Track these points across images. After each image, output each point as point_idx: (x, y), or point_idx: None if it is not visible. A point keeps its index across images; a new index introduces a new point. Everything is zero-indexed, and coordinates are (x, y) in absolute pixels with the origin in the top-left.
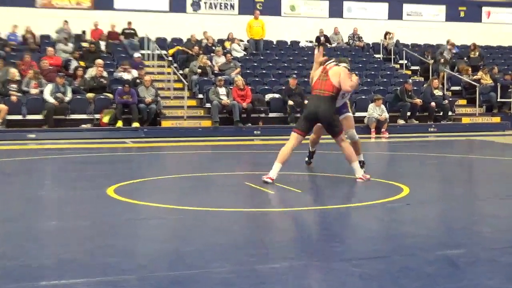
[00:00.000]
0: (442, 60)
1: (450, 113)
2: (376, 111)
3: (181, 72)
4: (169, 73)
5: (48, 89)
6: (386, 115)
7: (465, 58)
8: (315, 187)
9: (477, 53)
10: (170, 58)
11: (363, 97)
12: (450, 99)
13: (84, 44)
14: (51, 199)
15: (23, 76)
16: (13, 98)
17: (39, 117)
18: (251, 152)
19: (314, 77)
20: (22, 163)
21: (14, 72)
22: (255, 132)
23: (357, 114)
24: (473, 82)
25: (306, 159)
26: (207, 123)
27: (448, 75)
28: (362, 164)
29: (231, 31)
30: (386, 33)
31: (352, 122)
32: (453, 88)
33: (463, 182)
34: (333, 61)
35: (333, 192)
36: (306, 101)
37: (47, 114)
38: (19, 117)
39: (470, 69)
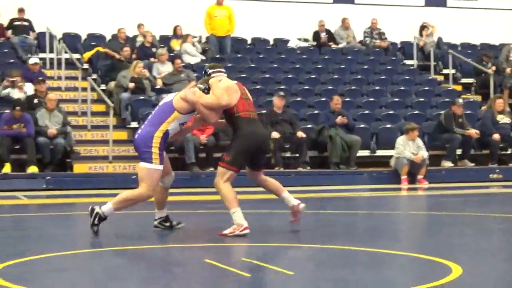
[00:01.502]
0: (509, 69)
1: None
2: (409, 147)
3: (103, 87)
4: (84, 89)
5: None
6: (424, 154)
7: None
8: (312, 265)
9: None
10: (86, 66)
11: (388, 126)
12: None
13: None
14: None
15: None
16: None
17: None
18: (213, 213)
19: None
20: None
21: None
22: None
23: (380, 152)
24: None
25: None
26: None
27: None
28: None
29: (181, 23)
30: (423, 27)
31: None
32: None
33: None
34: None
35: (342, 272)
36: (238, 128)
37: None
38: None
39: None
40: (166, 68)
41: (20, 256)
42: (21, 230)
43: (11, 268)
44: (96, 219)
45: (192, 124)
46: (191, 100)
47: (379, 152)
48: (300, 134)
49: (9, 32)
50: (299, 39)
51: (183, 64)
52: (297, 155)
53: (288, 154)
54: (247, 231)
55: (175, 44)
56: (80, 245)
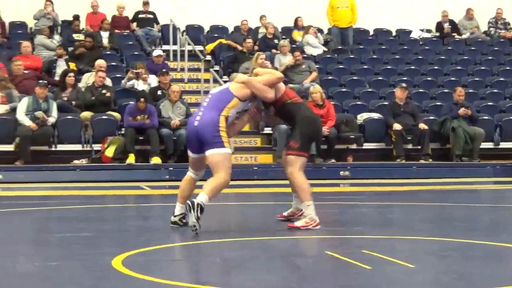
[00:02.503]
0: None
1: None
2: None
3: (225, 79)
4: (207, 81)
5: (22, 105)
6: None
7: None
8: (433, 258)
9: None
10: (209, 58)
11: None
12: None
13: (77, 37)
14: (27, 275)
15: None
16: None
17: (8, 148)
18: (335, 204)
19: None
20: None
21: None
22: (341, 172)
23: (504, 144)
24: None
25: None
26: (266, 158)
27: None
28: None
29: (303, 14)
30: None
31: None
32: None
33: None
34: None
35: (463, 265)
36: (302, 113)
37: (20, 144)
38: None
39: None
40: (288, 60)
41: (143, 246)
42: (144, 220)
43: (135, 257)
44: (199, 211)
45: (247, 119)
46: (246, 80)
47: (503, 145)
48: (422, 125)
49: (134, 25)
50: (422, 30)
51: (305, 55)
52: (419, 147)
53: (410, 146)
54: (319, 227)
55: (297, 35)
56: (201, 236)
